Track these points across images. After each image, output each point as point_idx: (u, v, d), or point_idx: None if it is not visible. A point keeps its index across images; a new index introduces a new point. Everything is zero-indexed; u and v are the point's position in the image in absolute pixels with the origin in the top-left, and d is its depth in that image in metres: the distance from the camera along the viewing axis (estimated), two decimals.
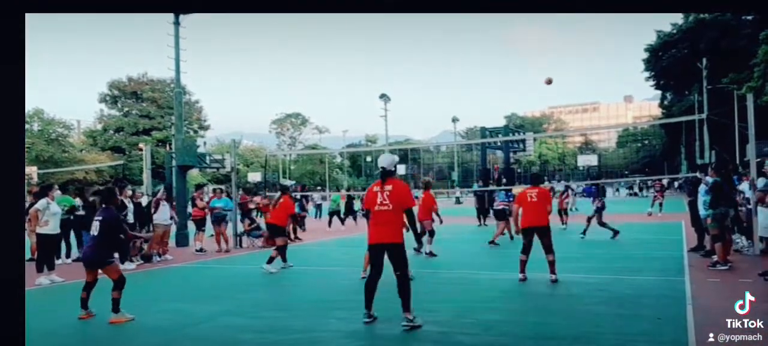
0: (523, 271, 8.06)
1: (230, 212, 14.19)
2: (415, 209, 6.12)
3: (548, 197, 8.56)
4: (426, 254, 10.95)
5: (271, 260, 9.82)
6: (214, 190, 15.74)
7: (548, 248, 7.97)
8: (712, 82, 35.56)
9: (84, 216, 10.99)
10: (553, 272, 7.93)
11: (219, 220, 13.50)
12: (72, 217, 11.77)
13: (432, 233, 11.19)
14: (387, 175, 5.81)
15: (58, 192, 10.57)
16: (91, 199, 10.42)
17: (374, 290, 5.76)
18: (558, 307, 6.49)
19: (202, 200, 13.99)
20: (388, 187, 5.75)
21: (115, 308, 6.23)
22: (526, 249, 8.07)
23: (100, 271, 6.44)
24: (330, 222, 20.15)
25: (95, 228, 6.42)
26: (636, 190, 51.76)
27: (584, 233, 14.26)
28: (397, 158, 6.08)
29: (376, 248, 5.76)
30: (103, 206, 6.67)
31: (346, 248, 13.86)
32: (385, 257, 5.74)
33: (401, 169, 53.22)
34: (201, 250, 13.08)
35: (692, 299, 6.49)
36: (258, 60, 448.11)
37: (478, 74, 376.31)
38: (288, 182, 16.98)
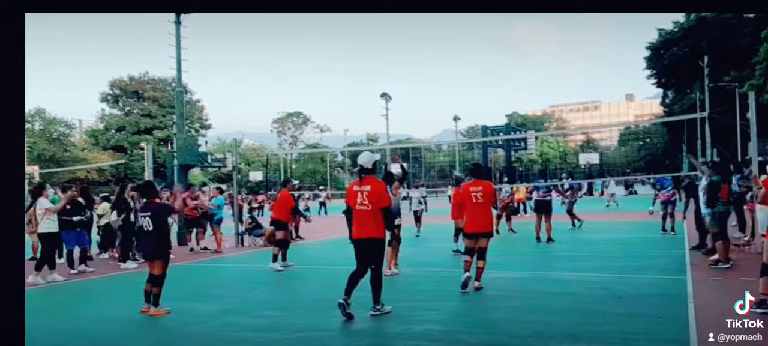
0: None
1: (220, 211, 14.05)
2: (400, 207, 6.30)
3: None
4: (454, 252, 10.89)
5: (275, 258, 9.83)
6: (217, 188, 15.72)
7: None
8: (714, 81, 35.42)
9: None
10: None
11: (210, 219, 13.52)
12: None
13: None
14: (365, 173, 5.98)
15: (52, 191, 10.53)
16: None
17: (356, 283, 5.92)
18: (559, 306, 6.47)
19: (192, 199, 13.93)
20: (366, 187, 5.93)
21: (156, 302, 6.41)
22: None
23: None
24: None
25: (147, 223, 6.52)
26: (635, 189, 51.41)
27: (663, 229, 14.04)
28: (377, 157, 6.18)
29: (358, 243, 6.04)
30: (145, 200, 6.82)
31: (348, 246, 13.83)
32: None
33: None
34: (204, 249, 13.10)
35: (694, 298, 6.48)
36: (259, 59, 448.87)
37: (480, 73, 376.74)
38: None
